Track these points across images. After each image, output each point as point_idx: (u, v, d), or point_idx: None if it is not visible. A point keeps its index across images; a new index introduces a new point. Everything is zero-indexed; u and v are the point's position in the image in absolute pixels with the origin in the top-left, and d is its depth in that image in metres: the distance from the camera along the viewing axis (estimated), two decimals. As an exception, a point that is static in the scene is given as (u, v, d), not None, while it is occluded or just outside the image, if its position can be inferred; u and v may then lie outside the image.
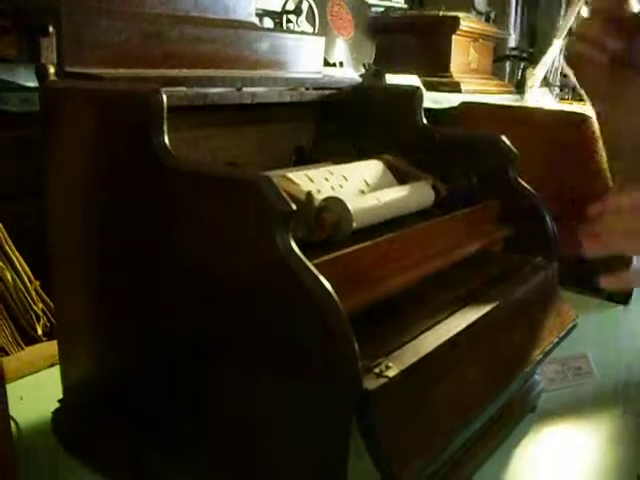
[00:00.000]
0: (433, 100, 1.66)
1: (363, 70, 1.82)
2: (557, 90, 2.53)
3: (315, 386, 0.49)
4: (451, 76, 2.03)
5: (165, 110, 0.55)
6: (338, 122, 0.92)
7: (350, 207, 0.64)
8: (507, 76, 2.71)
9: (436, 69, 2.02)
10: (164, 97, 0.55)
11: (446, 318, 0.63)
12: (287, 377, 0.51)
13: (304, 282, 0.47)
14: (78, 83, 0.65)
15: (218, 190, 0.52)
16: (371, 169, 0.79)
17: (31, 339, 0.96)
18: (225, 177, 0.52)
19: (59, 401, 0.78)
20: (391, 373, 0.50)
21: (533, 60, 2.46)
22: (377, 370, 0.50)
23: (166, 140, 0.55)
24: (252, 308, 0.52)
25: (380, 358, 0.52)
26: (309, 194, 0.62)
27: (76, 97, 0.63)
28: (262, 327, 0.52)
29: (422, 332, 0.59)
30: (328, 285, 0.47)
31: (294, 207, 0.48)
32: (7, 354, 0.92)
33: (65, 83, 0.66)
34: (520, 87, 2.34)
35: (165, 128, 0.55)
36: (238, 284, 0.53)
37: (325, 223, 0.62)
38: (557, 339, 0.76)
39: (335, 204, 0.64)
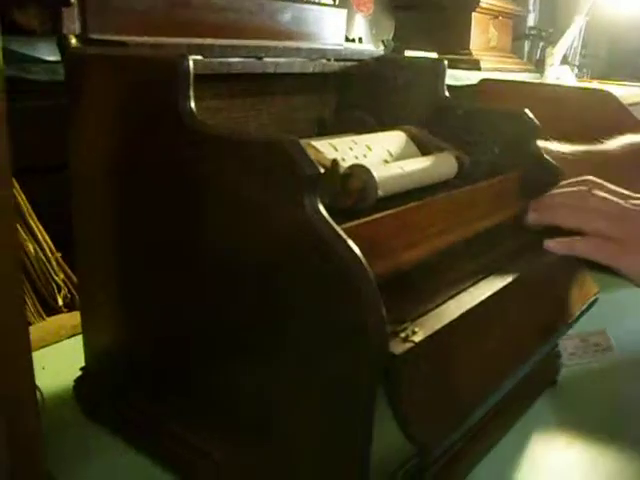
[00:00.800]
0: (452, 77, 1.65)
1: (382, 47, 1.81)
2: (576, 69, 2.51)
3: (341, 351, 0.49)
4: (470, 54, 2.02)
5: (191, 76, 0.55)
6: (360, 94, 0.92)
7: (375, 175, 0.63)
8: (525, 55, 2.69)
9: (455, 46, 2.01)
10: (191, 63, 0.55)
11: (470, 287, 0.63)
12: (313, 342, 0.51)
13: (332, 245, 0.47)
14: (103, 50, 0.65)
15: (245, 154, 0.52)
16: (394, 140, 0.79)
17: (52, 310, 0.97)
18: (252, 140, 0.51)
19: (81, 369, 0.78)
20: (417, 338, 0.50)
21: (552, 39, 2.44)
22: (403, 335, 0.50)
23: (192, 105, 0.55)
24: (278, 273, 0.52)
25: (406, 323, 0.52)
26: (334, 161, 0.62)
27: (101, 63, 0.63)
28: (288, 292, 0.52)
29: (446, 300, 0.59)
30: (357, 249, 0.47)
31: (322, 170, 0.48)
32: (29, 324, 0.93)
33: (90, 50, 0.66)
34: (539, 66, 2.32)
35: (191, 94, 0.55)
36: (264, 250, 0.53)
37: (350, 190, 0.62)
38: (579, 311, 0.76)
39: (360, 171, 0.64)
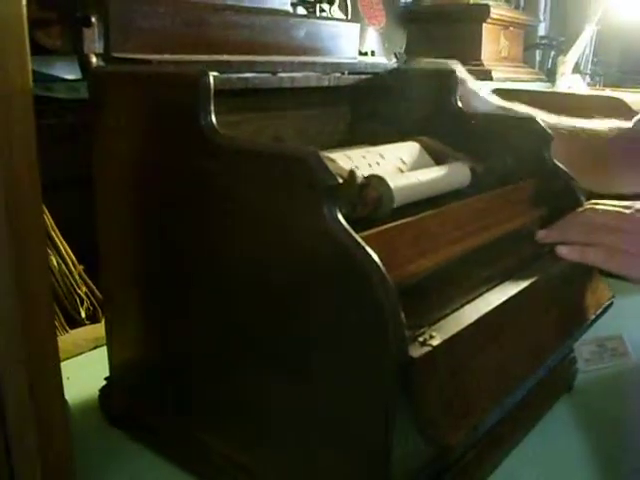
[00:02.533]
0: (464, 88, 1.66)
1: (394, 59, 1.83)
2: (588, 77, 2.52)
3: (361, 355, 0.51)
4: (482, 64, 2.03)
5: (212, 91, 0.57)
6: (374, 106, 0.93)
7: (391, 185, 0.65)
8: (537, 64, 2.70)
9: (467, 57, 2.02)
10: (211, 78, 0.57)
11: (485, 293, 0.64)
12: (333, 347, 0.53)
13: (352, 253, 0.49)
14: (126, 67, 0.67)
15: (266, 166, 0.54)
16: (408, 150, 0.81)
17: (75, 322, 0.99)
18: (272, 153, 0.53)
19: (106, 379, 0.80)
20: (435, 342, 0.52)
21: (564, 48, 2.45)
22: (421, 339, 0.51)
23: (214, 120, 0.57)
24: (298, 282, 0.54)
25: (423, 328, 0.53)
26: (352, 171, 0.64)
27: (125, 80, 0.65)
28: (309, 299, 0.53)
29: (462, 305, 0.60)
30: (375, 256, 0.48)
31: (340, 180, 0.49)
32: (54, 337, 0.94)
33: (113, 68, 0.68)
34: (551, 75, 2.33)
35: (212, 108, 0.57)
36: (284, 260, 0.55)
37: (367, 199, 0.64)
38: (593, 316, 0.76)
39: (377, 181, 0.65)
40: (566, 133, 1.03)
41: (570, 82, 2.20)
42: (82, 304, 1.00)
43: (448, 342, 0.53)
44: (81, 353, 0.97)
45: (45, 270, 0.58)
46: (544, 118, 1.02)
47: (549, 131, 0.83)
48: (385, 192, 0.65)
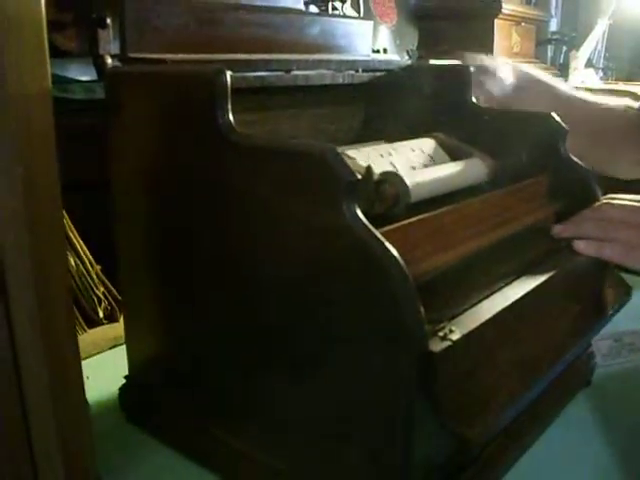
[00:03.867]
0: (477, 84, 1.66)
1: (406, 57, 1.83)
2: (601, 72, 2.51)
3: (382, 351, 0.51)
4: (494, 60, 2.03)
5: (229, 89, 0.57)
6: (388, 103, 0.93)
7: (407, 181, 0.65)
8: (549, 60, 2.69)
9: (479, 54, 2.02)
10: (228, 77, 0.57)
11: (503, 288, 0.64)
12: (351, 342, 0.53)
13: (371, 249, 0.49)
14: (142, 67, 0.67)
15: (284, 163, 0.54)
16: (424, 146, 0.81)
17: (93, 322, 1.00)
18: (291, 150, 0.53)
19: (125, 377, 0.81)
20: (454, 337, 0.52)
21: (576, 43, 2.44)
22: (441, 334, 0.52)
23: (231, 118, 0.57)
24: (319, 278, 0.54)
25: (443, 322, 0.53)
26: (369, 167, 0.64)
27: (142, 80, 0.66)
28: (330, 295, 0.53)
29: (480, 300, 0.60)
30: (394, 251, 0.48)
31: (359, 176, 0.49)
32: (72, 337, 0.95)
33: (130, 68, 0.68)
34: (563, 70, 2.32)
35: (229, 106, 0.58)
36: (304, 257, 0.55)
37: (384, 196, 0.64)
38: (611, 311, 0.76)
39: (393, 178, 0.65)
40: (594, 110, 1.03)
41: (583, 77, 2.19)
42: (100, 304, 1.00)
43: (467, 337, 0.53)
44: (100, 352, 0.97)
45: (65, 272, 0.58)
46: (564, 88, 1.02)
47: (565, 125, 0.82)
48: (402, 188, 0.65)
